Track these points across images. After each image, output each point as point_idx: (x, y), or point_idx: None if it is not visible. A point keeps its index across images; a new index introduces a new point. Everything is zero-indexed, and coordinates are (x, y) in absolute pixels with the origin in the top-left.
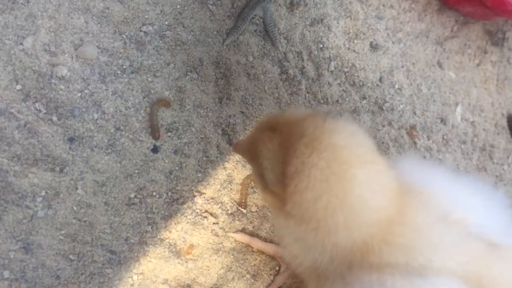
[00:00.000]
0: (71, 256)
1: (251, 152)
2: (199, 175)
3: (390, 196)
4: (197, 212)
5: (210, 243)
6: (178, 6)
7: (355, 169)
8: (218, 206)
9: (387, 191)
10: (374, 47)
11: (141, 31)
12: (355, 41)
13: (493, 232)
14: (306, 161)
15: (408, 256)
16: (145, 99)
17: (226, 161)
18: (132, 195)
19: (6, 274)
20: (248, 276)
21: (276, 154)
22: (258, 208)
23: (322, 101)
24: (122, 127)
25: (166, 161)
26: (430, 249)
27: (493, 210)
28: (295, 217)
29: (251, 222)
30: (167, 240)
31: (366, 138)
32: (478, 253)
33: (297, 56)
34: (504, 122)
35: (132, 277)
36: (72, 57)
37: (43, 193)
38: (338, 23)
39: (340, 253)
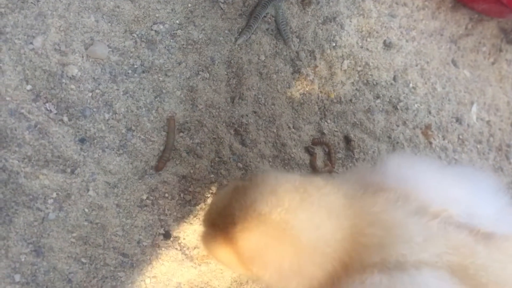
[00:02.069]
0: (83, 259)
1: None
2: (212, 176)
3: (339, 212)
4: None
5: None
6: (189, 5)
7: (293, 222)
8: None
9: (333, 211)
10: (387, 45)
11: (152, 30)
12: (368, 39)
13: (482, 221)
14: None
15: (383, 254)
16: (156, 99)
17: (239, 162)
18: (144, 197)
19: (17, 277)
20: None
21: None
22: None
23: (335, 101)
24: (133, 127)
25: (178, 162)
26: (401, 244)
27: (481, 198)
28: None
29: None
30: (180, 243)
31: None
32: (460, 243)
33: (310, 55)
34: None
35: (144, 280)
36: (82, 57)
37: (54, 195)
38: (351, 21)
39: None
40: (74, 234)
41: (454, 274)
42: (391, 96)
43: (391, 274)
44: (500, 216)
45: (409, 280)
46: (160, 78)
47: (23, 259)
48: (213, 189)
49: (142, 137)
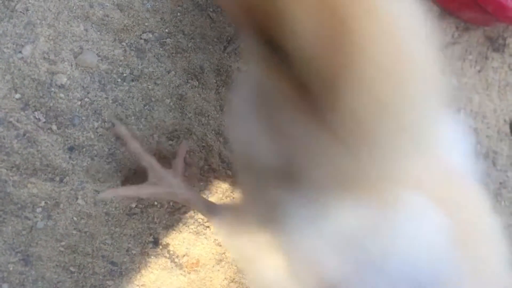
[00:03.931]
0: (71, 268)
1: None
2: (201, 183)
3: None
4: (199, 222)
5: (212, 253)
6: (179, 14)
7: None
8: None
9: None
10: None
11: (141, 38)
12: None
13: (451, 160)
14: None
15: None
16: (145, 107)
17: (229, 170)
18: (133, 205)
19: (5, 287)
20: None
21: None
22: None
23: None
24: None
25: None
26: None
27: (452, 137)
28: None
29: None
30: (169, 251)
31: None
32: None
33: None
34: (506, 129)
35: None
36: (71, 65)
37: (42, 203)
38: None
39: None
40: (63, 243)
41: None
42: None
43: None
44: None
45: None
46: (149, 86)
47: (11, 268)
48: (203, 197)
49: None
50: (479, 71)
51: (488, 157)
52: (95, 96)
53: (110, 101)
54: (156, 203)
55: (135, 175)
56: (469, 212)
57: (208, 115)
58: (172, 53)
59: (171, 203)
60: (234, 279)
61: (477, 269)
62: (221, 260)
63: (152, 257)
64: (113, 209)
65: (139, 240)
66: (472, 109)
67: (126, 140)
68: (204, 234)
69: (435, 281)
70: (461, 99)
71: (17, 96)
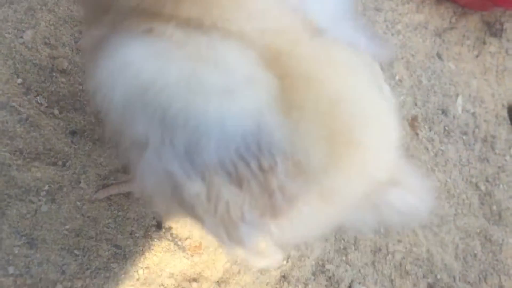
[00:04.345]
0: (76, 251)
1: None
2: None
3: None
4: None
5: None
6: None
7: None
8: None
9: None
10: None
11: None
12: None
13: (318, 15)
14: None
15: (203, 12)
16: None
17: None
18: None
19: (11, 269)
20: (254, 269)
21: None
22: None
23: None
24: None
25: None
26: (231, 7)
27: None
28: None
29: None
30: (172, 234)
31: None
32: (290, 26)
33: None
34: (504, 113)
35: (137, 271)
36: (72, 50)
37: (46, 187)
38: None
39: None
40: (67, 226)
41: (263, 58)
42: None
43: (190, 32)
44: (337, 20)
45: (206, 44)
46: None
47: (16, 251)
48: None
49: None
50: (477, 56)
51: (486, 141)
52: None
53: None
54: None
55: None
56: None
57: None
58: None
59: None
60: (236, 261)
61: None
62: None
63: (155, 240)
64: (115, 193)
65: (142, 224)
66: (471, 93)
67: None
68: None
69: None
70: (459, 84)
71: (19, 81)
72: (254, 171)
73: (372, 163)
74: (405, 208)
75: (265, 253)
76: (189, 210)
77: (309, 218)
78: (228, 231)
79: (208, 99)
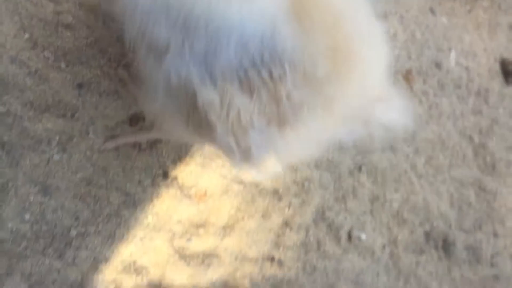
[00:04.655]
0: (88, 199)
1: None
2: None
3: None
4: (205, 156)
5: (218, 185)
6: None
7: None
8: None
9: None
10: None
11: None
12: None
13: None
14: None
15: None
16: None
17: None
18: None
19: (27, 216)
20: (257, 216)
21: None
22: None
23: None
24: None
25: None
26: None
27: None
28: None
29: None
30: (178, 182)
31: None
32: None
33: None
34: (497, 67)
35: (147, 217)
36: (76, 5)
37: (57, 137)
38: None
39: None
40: (78, 175)
41: None
42: None
43: None
44: None
45: None
46: None
47: (31, 199)
48: None
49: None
50: (470, 11)
51: (479, 95)
52: (100, 35)
53: (115, 40)
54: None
55: (141, 114)
56: None
57: None
58: None
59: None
60: (240, 208)
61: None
62: (227, 191)
63: (162, 188)
64: (122, 145)
65: (149, 173)
66: (463, 48)
67: (126, 82)
68: (210, 166)
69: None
70: (452, 38)
71: (26, 36)
72: (265, 79)
73: (368, 76)
74: (389, 123)
75: (266, 165)
76: (202, 119)
77: (311, 129)
78: (237, 138)
79: (230, 1)
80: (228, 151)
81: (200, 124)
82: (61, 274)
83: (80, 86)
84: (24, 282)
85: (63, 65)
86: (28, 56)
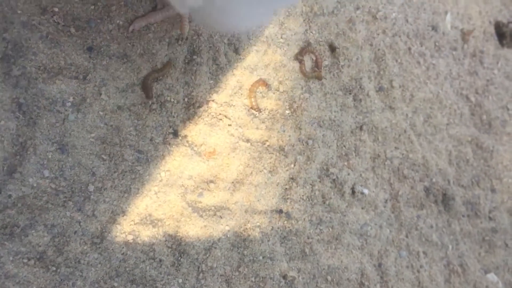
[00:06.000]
0: (103, 156)
1: None
2: (211, 81)
3: None
4: (213, 115)
5: (227, 143)
6: None
7: None
8: (231, 109)
9: None
10: None
11: None
12: None
13: None
14: None
15: None
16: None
17: (235, 68)
18: (151, 101)
19: (46, 173)
20: (265, 171)
21: None
22: (269, 111)
23: (318, 13)
24: (134, 38)
25: (180, 70)
26: None
27: None
28: None
29: (263, 122)
30: (188, 140)
31: None
32: None
33: None
34: (492, 29)
35: (160, 173)
36: None
37: (71, 98)
38: None
39: None
40: (93, 134)
41: None
42: (370, 7)
43: None
44: None
45: None
46: None
47: (50, 156)
48: (213, 93)
49: (145, 46)
50: None
51: (475, 56)
52: (107, 1)
53: (123, 4)
54: (172, 99)
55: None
56: None
57: None
58: None
59: (185, 99)
60: (248, 164)
61: None
62: (235, 149)
63: (173, 146)
64: (133, 105)
65: (161, 132)
66: (459, 11)
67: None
68: (218, 125)
69: None
70: (448, 2)
71: (36, 1)
72: None
73: None
74: None
75: None
76: None
77: None
78: None
79: None
80: None
81: None
82: (82, 225)
83: (90, 49)
84: (47, 233)
85: (72, 29)
86: (39, 21)
